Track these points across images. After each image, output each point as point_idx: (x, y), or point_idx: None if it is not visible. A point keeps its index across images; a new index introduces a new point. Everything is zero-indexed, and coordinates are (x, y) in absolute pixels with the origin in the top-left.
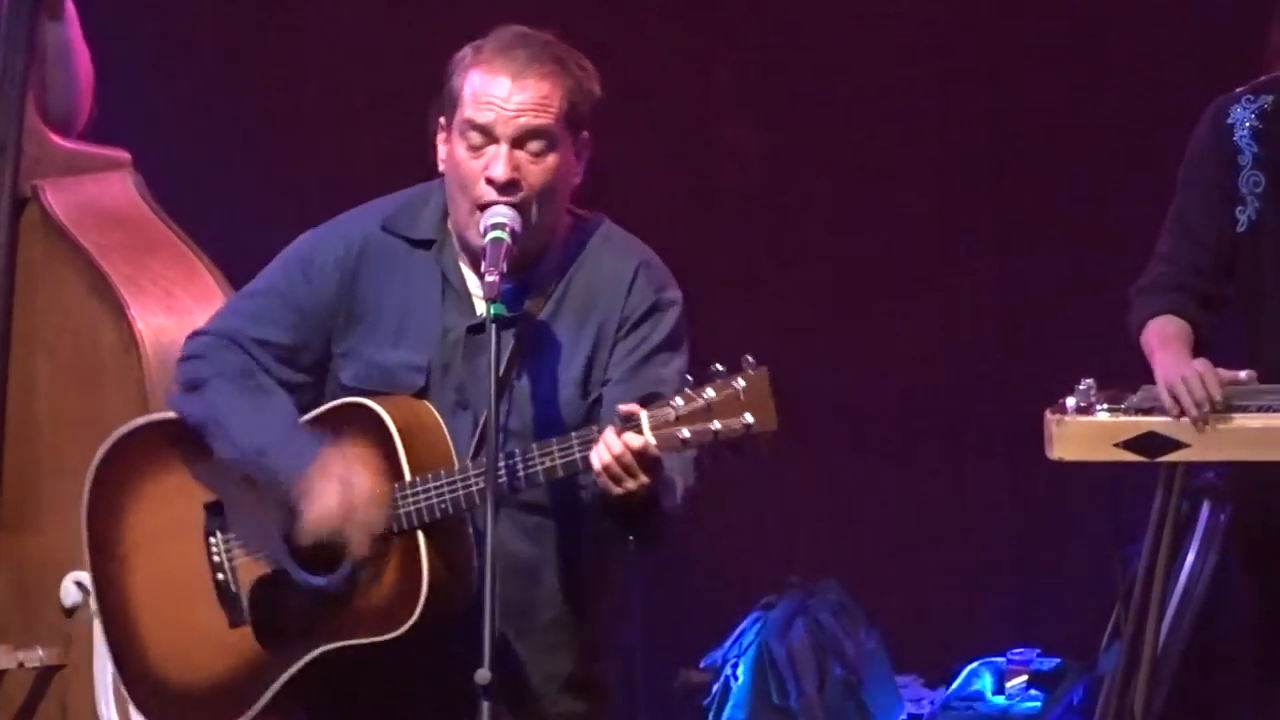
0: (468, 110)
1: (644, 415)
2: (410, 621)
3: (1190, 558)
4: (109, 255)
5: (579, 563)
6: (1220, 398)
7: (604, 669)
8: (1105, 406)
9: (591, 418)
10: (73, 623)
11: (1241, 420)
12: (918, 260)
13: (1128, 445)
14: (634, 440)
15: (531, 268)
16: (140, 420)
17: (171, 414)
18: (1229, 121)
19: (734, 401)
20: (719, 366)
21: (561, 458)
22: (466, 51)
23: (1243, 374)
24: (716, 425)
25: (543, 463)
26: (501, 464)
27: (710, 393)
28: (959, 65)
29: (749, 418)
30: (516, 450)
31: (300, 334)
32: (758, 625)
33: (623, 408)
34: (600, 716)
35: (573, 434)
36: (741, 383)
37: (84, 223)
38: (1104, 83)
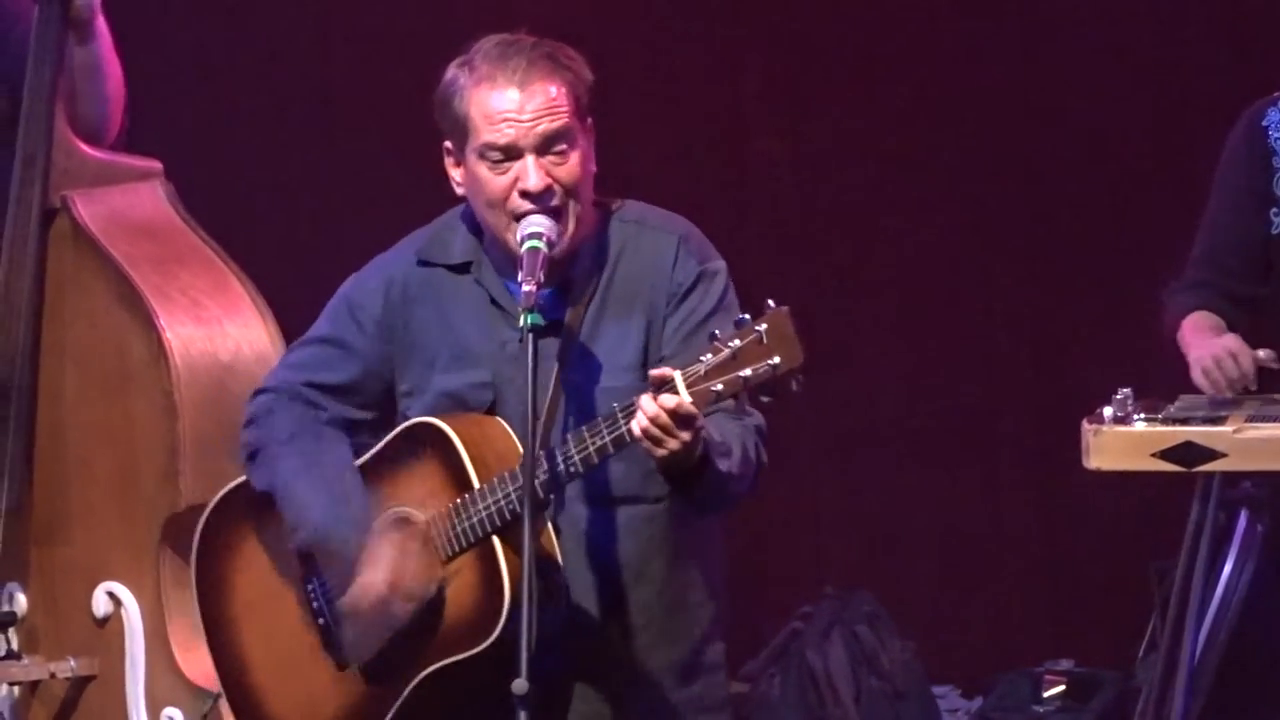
0: (485, 134)
1: (678, 375)
2: (497, 630)
3: (1227, 568)
4: (138, 265)
5: (680, 550)
6: (1252, 375)
7: (715, 650)
8: (1142, 416)
9: None
10: (104, 633)
11: (1278, 430)
12: (951, 269)
13: (1165, 455)
14: (669, 400)
15: (569, 268)
16: (234, 483)
17: None
18: (1263, 124)
19: (758, 345)
20: (744, 315)
21: (610, 434)
22: (457, 73)
23: (1261, 352)
24: (746, 372)
25: (594, 443)
26: (557, 455)
27: (735, 342)
28: (990, 75)
29: (775, 359)
30: (568, 437)
31: (354, 375)
32: (794, 637)
33: (654, 372)
34: (715, 696)
35: (616, 408)
36: (763, 326)
37: (113, 233)
38: (1137, 91)
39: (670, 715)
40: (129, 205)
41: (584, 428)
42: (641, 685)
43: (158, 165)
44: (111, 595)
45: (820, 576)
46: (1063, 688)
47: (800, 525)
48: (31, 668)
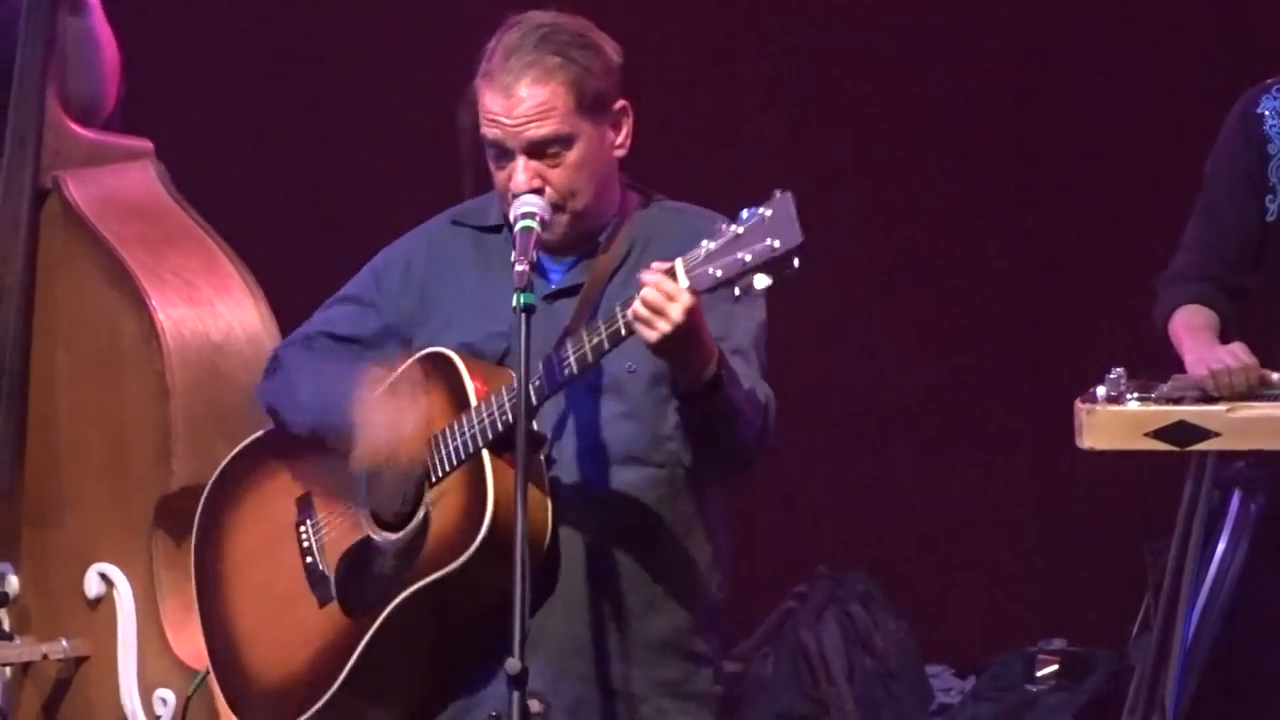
0: (482, 127)
1: (679, 262)
2: (478, 538)
3: (1220, 548)
4: (129, 246)
5: (682, 523)
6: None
7: (705, 642)
8: (1135, 396)
9: None
10: (97, 614)
11: (1272, 409)
12: (944, 250)
13: (1158, 435)
14: (666, 283)
15: (594, 237)
16: (236, 449)
17: (260, 433)
18: (1259, 111)
19: (759, 229)
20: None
21: (607, 329)
22: (486, 53)
23: (1276, 376)
24: (746, 256)
25: (590, 340)
26: (554, 358)
27: (737, 228)
28: (984, 57)
29: (775, 242)
30: (567, 340)
31: (373, 330)
32: (788, 616)
33: (656, 264)
34: (697, 686)
35: (617, 306)
36: (767, 211)
37: (104, 214)
38: (1130, 74)
39: (649, 692)
40: (120, 185)
41: (583, 328)
42: (624, 654)
43: (148, 145)
44: (104, 576)
45: (814, 556)
46: (1056, 667)
47: (794, 505)
48: (24, 649)
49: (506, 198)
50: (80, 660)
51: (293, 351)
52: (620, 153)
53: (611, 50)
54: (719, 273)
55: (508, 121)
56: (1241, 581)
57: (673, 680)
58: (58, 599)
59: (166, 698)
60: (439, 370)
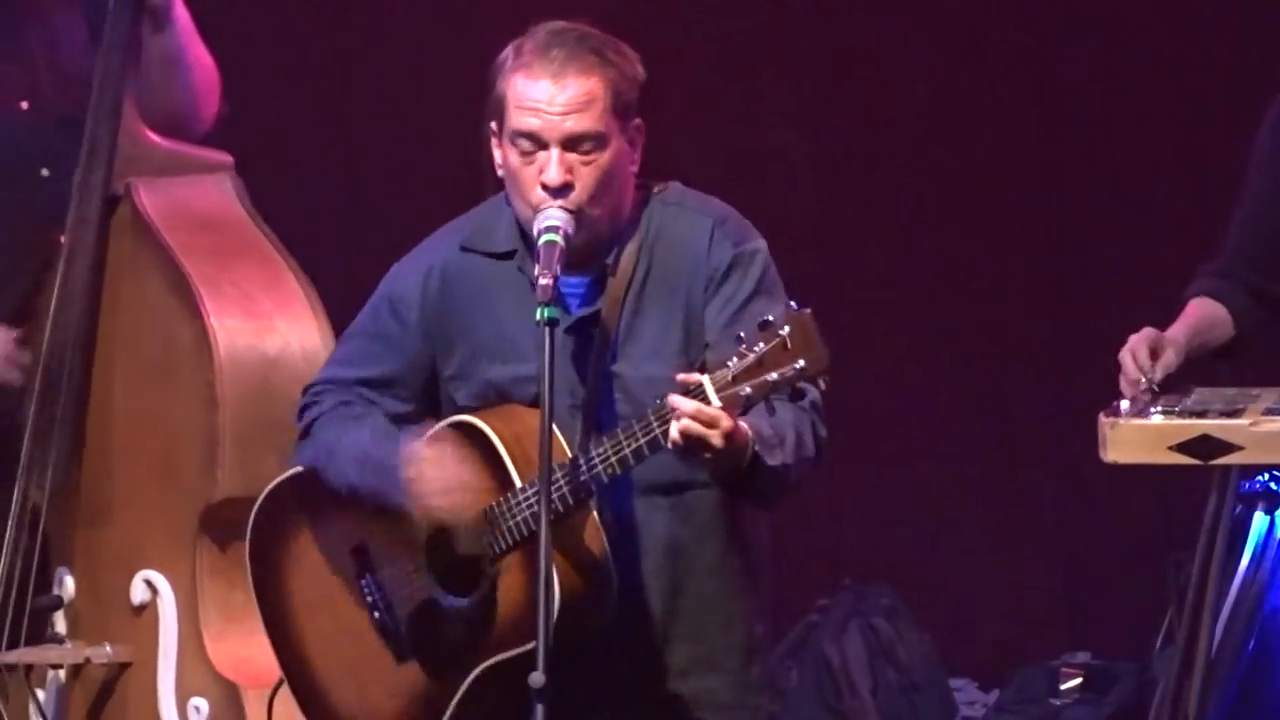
0: (514, 118)
1: (706, 381)
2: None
3: (1244, 561)
4: (192, 255)
5: (732, 532)
6: (1150, 367)
7: (763, 631)
8: (1159, 409)
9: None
10: (140, 621)
11: None
12: (967, 260)
13: (1182, 448)
14: (705, 412)
15: (604, 255)
16: (277, 480)
17: (300, 470)
18: None
19: (783, 349)
20: (768, 317)
21: (644, 436)
22: (508, 54)
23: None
24: (773, 376)
25: (629, 445)
26: (594, 455)
27: (760, 345)
28: (1008, 62)
29: (801, 363)
30: (604, 439)
31: (397, 367)
32: (812, 629)
33: (682, 377)
34: (743, 690)
35: (650, 413)
36: (786, 329)
37: (172, 222)
38: (1155, 78)
39: (738, 698)
40: (192, 196)
41: (619, 429)
42: (703, 670)
43: (228, 158)
44: (149, 583)
45: (837, 569)
46: (1080, 680)
47: (818, 518)
48: (68, 652)
49: (530, 194)
50: (124, 666)
51: (324, 417)
52: (633, 168)
53: (638, 63)
54: (749, 391)
55: (549, 110)
56: (1265, 595)
57: (758, 678)
58: (105, 604)
59: (200, 706)
60: (472, 442)
